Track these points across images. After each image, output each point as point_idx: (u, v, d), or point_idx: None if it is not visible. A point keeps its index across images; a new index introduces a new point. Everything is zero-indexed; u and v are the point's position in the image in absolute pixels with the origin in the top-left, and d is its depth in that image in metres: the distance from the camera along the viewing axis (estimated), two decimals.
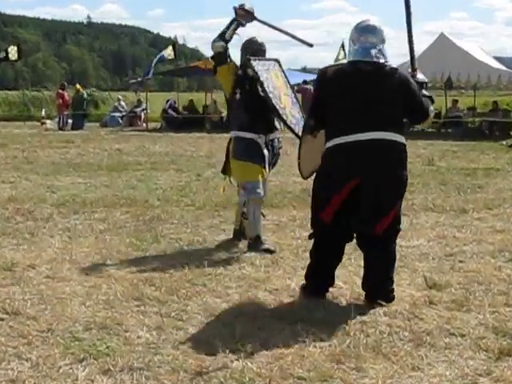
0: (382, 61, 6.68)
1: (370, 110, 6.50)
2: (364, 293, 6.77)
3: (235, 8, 8.75)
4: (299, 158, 7.44)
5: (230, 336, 5.76)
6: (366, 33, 6.74)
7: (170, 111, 35.81)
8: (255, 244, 8.70)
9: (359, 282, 7.19)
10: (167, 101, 36.51)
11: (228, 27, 8.75)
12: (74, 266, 7.86)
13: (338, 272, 7.56)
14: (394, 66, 6.82)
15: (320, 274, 6.87)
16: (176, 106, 36.60)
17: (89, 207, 11.75)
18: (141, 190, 13.94)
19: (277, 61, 9.17)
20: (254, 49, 8.91)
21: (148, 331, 5.87)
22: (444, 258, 8.34)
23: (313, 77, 37.19)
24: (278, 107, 8.53)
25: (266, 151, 8.73)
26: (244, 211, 8.80)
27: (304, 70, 44.08)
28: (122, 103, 39.22)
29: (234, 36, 8.81)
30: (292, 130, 8.60)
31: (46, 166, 18.26)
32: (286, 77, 9.17)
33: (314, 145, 7.10)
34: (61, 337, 5.70)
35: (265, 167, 8.76)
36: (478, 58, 31.04)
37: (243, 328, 5.94)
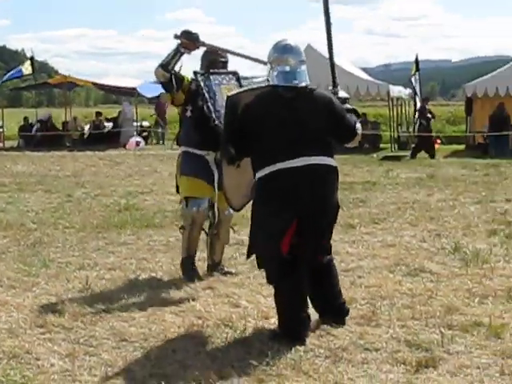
0: (303, 84, 6.71)
1: (298, 136, 6.51)
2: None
3: (177, 36, 8.27)
4: (226, 191, 7.55)
5: (146, 359, 5.89)
6: (284, 53, 6.75)
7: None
8: (183, 265, 8.60)
9: (263, 300, 7.46)
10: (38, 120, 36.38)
11: (171, 58, 8.28)
12: None
13: (240, 291, 7.80)
14: (314, 87, 6.83)
15: (300, 316, 6.49)
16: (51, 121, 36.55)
17: None
18: (12, 212, 13.81)
19: (234, 74, 8.76)
20: (210, 60, 8.63)
21: (60, 359, 5.92)
22: (342, 273, 8.56)
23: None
24: (219, 126, 8.00)
25: (215, 169, 8.40)
26: (183, 225, 8.62)
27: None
28: None
29: (179, 64, 8.39)
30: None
31: None
32: None
33: (239, 174, 7.18)
34: None
35: (213, 186, 8.45)
36: (345, 69, 31.75)
37: (157, 351, 6.08)
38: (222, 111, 7.67)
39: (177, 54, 8.26)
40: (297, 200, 6.47)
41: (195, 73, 8.45)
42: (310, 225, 6.58)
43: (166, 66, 8.25)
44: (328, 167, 6.60)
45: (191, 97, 8.35)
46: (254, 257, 6.99)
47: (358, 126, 6.98)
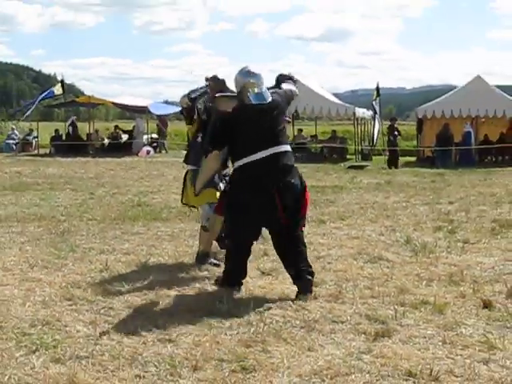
0: (269, 100, 7.19)
1: (268, 133, 7.07)
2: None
3: (207, 79, 8.13)
4: (199, 179, 7.86)
5: (155, 327, 5.89)
6: (251, 78, 7.18)
7: (70, 128, 35.66)
8: (202, 258, 8.47)
9: (251, 281, 7.51)
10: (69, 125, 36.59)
11: (199, 93, 8.24)
12: (8, 273, 7.81)
13: None
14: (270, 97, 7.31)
15: (241, 269, 7.25)
16: (75, 123, 36.49)
17: (4, 222, 11.61)
18: (45, 207, 13.79)
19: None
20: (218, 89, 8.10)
21: (84, 326, 5.94)
22: (315, 260, 8.60)
23: (174, 108, 37.03)
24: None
25: (220, 184, 8.36)
26: (205, 225, 8.44)
27: (166, 102, 44.80)
28: (16, 132, 38.42)
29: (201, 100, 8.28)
30: None
31: None
32: None
33: (207, 165, 7.68)
34: (12, 332, 5.72)
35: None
36: (319, 93, 31.86)
37: (164, 321, 6.08)
38: None
39: (203, 92, 8.21)
40: (269, 180, 6.95)
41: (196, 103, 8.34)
42: (284, 199, 7.00)
43: (191, 97, 8.24)
44: (287, 151, 7.15)
45: (203, 126, 8.15)
46: None
47: (294, 89, 7.67)
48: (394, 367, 5.02)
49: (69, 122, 37.11)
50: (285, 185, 7.01)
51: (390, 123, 30.74)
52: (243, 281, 7.29)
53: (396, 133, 29.27)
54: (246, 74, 7.24)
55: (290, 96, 7.58)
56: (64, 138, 36.21)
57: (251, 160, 6.99)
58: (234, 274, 7.26)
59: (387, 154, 29.05)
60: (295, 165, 7.30)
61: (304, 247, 7.27)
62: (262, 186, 6.95)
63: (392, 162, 27.32)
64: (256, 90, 7.17)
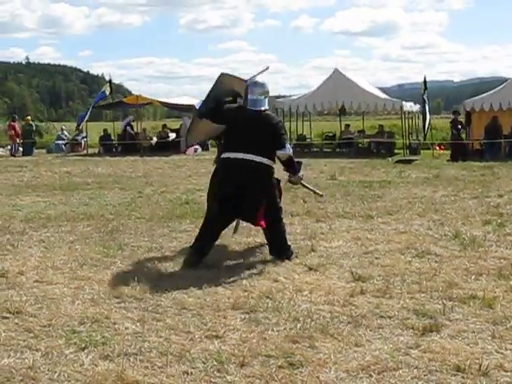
0: (263, 108, 8.44)
1: (247, 139, 8.20)
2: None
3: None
4: (189, 132, 10.11)
5: (202, 324, 5.93)
6: (254, 87, 8.46)
7: (128, 128, 36.00)
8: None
9: (297, 277, 7.52)
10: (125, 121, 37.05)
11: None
12: (57, 272, 7.89)
13: (280, 270, 7.85)
14: (270, 113, 8.68)
15: (208, 240, 8.35)
16: (132, 124, 36.74)
17: (54, 222, 11.74)
18: (94, 206, 13.92)
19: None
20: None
21: (133, 323, 5.98)
22: (362, 255, 8.60)
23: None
24: None
25: None
26: None
27: None
28: (65, 132, 38.91)
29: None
30: None
31: (7, 187, 18.05)
32: None
33: (200, 126, 9.20)
34: (61, 330, 5.78)
35: None
36: (365, 89, 31.70)
37: (211, 317, 6.11)
38: None
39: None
40: (231, 178, 8.27)
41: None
42: (240, 196, 8.20)
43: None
44: (256, 163, 8.19)
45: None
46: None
47: (288, 147, 8.48)
48: (442, 362, 4.98)
49: (125, 122, 37.35)
50: (242, 188, 8.18)
51: (452, 117, 30.23)
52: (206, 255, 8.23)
53: (459, 126, 28.92)
54: (252, 84, 8.49)
55: (281, 142, 8.39)
56: (115, 137, 36.57)
57: (226, 157, 8.36)
58: (200, 248, 8.27)
59: (437, 147, 28.72)
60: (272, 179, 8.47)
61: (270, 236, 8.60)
62: (227, 183, 8.29)
63: (456, 156, 26.92)
64: (254, 97, 8.39)
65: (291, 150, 8.59)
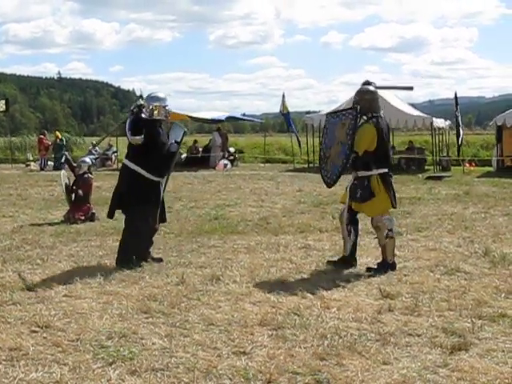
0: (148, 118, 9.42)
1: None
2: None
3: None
4: None
5: (229, 340, 5.94)
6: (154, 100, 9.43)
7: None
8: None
9: (325, 293, 7.47)
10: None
11: None
12: (86, 286, 7.94)
13: (307, 286, 7.82)
14: None
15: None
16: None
17: (83, 236, 11.83)
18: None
19: (355, 109, 8.83)
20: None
21: (160, 338, 5.99)
22: (391, 272, 8.57)
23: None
24: (322, 156, 9.25)
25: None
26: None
27: (244, 115, 45.38)
28: (96, 147, 39.15)
29: None
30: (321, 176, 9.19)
31: (38, 201, 18.21)
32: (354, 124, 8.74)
33: None
34: (89, 345, 5.81)
35: None
36: (396, 104, 31.58)
37: (238, 333, 6.11)
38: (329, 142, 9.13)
39: None
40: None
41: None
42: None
43: None
44: (128, 166, 9.34)
45: None
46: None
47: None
48: (470, 381, 4.95)
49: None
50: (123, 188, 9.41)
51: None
52: None
53: None
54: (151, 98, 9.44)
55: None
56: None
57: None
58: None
59: (466, 164, 28.47)
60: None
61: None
62: None
63: None
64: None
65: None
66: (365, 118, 8.82)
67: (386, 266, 8.68)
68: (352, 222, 8.91)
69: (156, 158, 9.17)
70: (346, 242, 8.91)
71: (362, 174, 8.74)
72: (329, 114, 9.17)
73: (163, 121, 9.52)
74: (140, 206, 9.26)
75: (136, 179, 9.23)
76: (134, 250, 9.14)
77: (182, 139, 9.79)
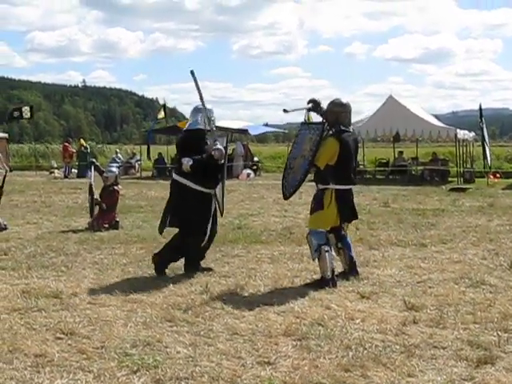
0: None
1: None
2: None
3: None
4: None
5: (254, 350, 5.93)
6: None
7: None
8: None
9: (350, 304, 7.47)
10: None
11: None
12: (110, 294, 7.95)
13: (332, 297, 7.81)
14: None
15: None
16: None
17: (107, 244, 11.88)
18: (147, 229, 14.02)
19: (322, 124, 8.76)
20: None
21: (184, 347, 6.00)
22: (416, 284, 8.54)
23: (272, 129, 40.78)
24: (288, 165, 8.99)
25: None
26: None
27: (266, 125, 45.72)
28: (119, 155, 39.37)
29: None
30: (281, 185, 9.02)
31: (62, 209, 18.34)
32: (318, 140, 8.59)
33: None
34: (114, 352, 5.82)
35: None
36: (420, 116, 31.53)
37: (262, 343, 6.11)
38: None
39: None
40: None
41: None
42: None
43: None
44: (177, 182, 9.40)
45: None
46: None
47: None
48: None
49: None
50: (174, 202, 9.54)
51: None
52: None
53: None
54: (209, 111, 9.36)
55: None
56: (169, 161, 36.81)
57: None
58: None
59: (491, 176, 28.36)
60: None
61: None
62: None
63: None
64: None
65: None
66: (332, 131, 8.69)
67: (323, 282, 8.44)
68: (339, 238, 8.90)
69: (203, 170, 9.03)
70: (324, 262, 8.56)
71: (320, 187, 8.66)
72: (302, 124, 9.03)
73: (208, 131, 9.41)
74: (192, 219, 9.20)
75: (186, 193, 9.19)
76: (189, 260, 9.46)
77: (226, 144, 9.71)
